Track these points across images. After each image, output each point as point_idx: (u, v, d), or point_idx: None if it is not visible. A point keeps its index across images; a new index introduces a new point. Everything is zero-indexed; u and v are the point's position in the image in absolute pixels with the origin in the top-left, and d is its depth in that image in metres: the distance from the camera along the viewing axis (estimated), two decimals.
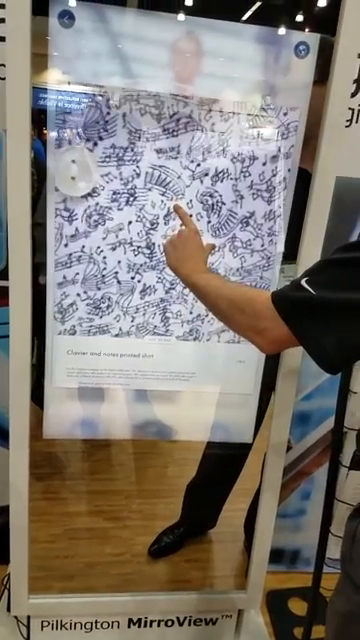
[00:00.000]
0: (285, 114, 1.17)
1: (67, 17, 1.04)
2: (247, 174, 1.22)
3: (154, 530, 1.92)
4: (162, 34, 1.09)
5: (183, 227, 1.17)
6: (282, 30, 1.11)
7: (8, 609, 1.50)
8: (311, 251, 1.24)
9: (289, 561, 1.87)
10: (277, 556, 1.80)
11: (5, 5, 1.01)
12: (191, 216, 1.22)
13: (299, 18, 1.24)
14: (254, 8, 1.21)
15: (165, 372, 1.34)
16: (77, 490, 2.16)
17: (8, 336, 1.22)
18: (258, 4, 1.18)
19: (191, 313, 1.31)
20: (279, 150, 1.21)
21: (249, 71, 1.13)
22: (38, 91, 1.11)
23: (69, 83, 1.11)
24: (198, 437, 1.50)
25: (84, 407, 1.36)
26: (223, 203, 1.23)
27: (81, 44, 1.07)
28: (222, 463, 1.77)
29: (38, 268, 1.22)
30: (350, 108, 1.38)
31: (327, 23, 1.14)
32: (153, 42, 1.09)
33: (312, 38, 1.13)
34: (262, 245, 1.28)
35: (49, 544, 1.86)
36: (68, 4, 1.05)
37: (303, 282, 0.80)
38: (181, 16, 1.08)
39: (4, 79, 1.05)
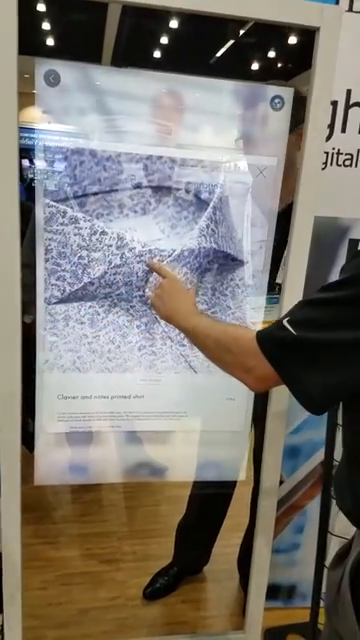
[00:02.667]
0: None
1: (52, 76, 1.09)
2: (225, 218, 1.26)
3: (148, 571, 1.89)
4: (141, 91, 1.14)
5: (161, 279, 1.19)
6: (258, 85, 1.17)
7: None
8: (294, 288, 1.28)
9: (286, 597, 1.85)
10: (273, 592, 1.78)
11: None
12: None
13: (275, 68, 1.30)
14: (222, 52, 1.27)
15: (156, 412, 1.35)
16: (68, 533, 2.13)
17: None
18: (235, 58, 1.24)
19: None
20: (253, 194, 1.25)
21: (227, 124, 1.19)
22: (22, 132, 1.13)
23: (49, 122, 1.14)
24: (190, 476, 1.50)
25: (76, 451, 1.35)
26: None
27: (66, 101, 1.12)
28: (210, 502, 1.77)
29: (23, 307, 1.23)
30: (325, 152, 1.44)
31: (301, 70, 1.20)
32: (134, 98, 1.14)
33: (286, 91, 1.19)
34: (240, 279, 1.31)
35: (41, 591, 1.82)
36: (53, 64, 1.10)
37: (285, 322, 0.81)
38: (162, 74, 1.14)
39: None
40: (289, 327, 0.80)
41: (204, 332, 1.02)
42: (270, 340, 0.84)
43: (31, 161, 1.20)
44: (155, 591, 1.84)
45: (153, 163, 1.14)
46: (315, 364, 0.79)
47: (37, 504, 2.18)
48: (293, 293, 1.27)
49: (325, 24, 1.13)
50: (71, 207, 1.13)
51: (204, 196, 1.20)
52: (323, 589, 1.39)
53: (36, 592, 1.79)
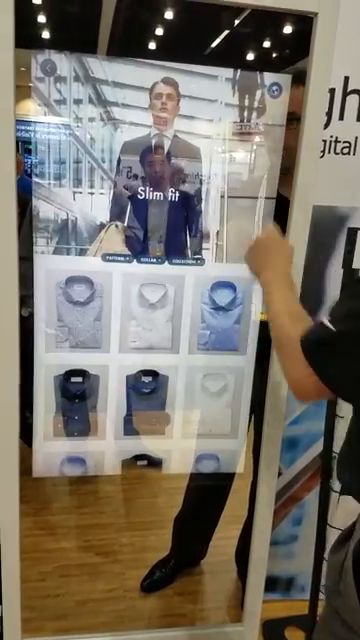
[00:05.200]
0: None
1: (49, 66, 1.07)
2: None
3: (146, 563, 1.89)
4: (139, 80, 1.13)
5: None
6: (256, 72, 1.15)
7: None
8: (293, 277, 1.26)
9: (284, 589, 1.85)
10: (271, 584, 1.78)
11: None
12: None
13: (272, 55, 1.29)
14: (219, 39, 1.25)
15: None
16: (66, 525, 2.13)
17: None
18: (232, 45, 1.23)
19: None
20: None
21: (226, 112, 1.17)
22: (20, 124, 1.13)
23: (45, 114, 1.13)
24: (188, 468, 1.49)
25: (74, 443, 1.34)
26: None
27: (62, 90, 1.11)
28: (207, 494, 1.76)
29: (20, 301, 1.23)
30: (323, 140, 1.43)
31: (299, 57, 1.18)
32: (131, 87, 1.12)
33: (284, 78, 1.17)
34: None
35: (39, 583, 1.82)
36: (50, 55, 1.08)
37: (325, 320, 0.78)
38: (159, 62, 1.12)
39: None
40: (329, 324, 0.77)
41: (275, 313, 0.94)
42: (311, 342, 0.79)
43: (28, 152, 1.19)
44: (153, 583, 1.84)
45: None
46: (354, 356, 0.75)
47: (34, 497, 2.18)
48: None
49: (323, 9, 1.11)
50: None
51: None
52: (322, 581, 1.39)
53: (34, 584, 1.79)
